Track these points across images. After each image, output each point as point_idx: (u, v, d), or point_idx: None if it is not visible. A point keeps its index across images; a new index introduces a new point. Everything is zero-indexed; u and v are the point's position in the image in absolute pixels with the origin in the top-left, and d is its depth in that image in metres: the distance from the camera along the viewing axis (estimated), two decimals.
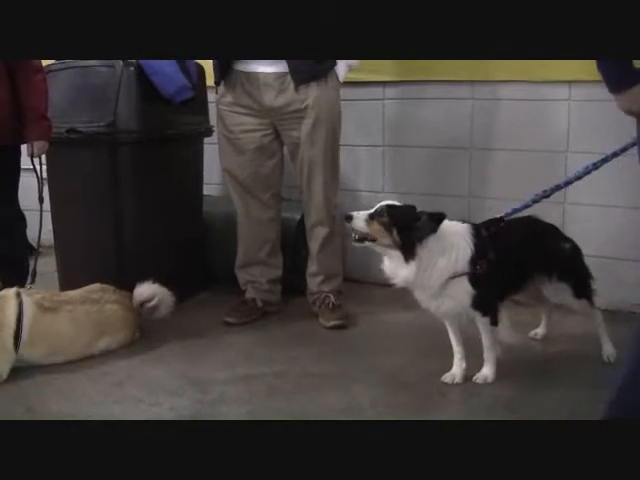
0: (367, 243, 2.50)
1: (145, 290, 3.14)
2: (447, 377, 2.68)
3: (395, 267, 2.49)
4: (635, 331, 1.86)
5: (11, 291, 2.81)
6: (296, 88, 3.09)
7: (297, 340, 3.14)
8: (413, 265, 2.44)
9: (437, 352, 2.77)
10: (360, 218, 2.47)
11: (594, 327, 2.84)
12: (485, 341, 2.62)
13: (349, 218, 2.48)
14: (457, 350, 2.68)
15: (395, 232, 2.44)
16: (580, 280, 2.77)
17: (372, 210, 2.49)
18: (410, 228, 2.44)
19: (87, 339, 2.92)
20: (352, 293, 3.53)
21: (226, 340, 3.14)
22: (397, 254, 2.46)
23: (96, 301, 2.99)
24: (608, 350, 2.82)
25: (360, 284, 3.65)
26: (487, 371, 2.64)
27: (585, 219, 3.39)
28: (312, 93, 3.11)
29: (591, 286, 2.79)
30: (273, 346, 3.08)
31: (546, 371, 2.77)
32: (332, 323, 3.26)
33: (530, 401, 2.51)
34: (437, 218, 2.44)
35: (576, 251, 2.78)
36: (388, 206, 2.49)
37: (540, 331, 3.07)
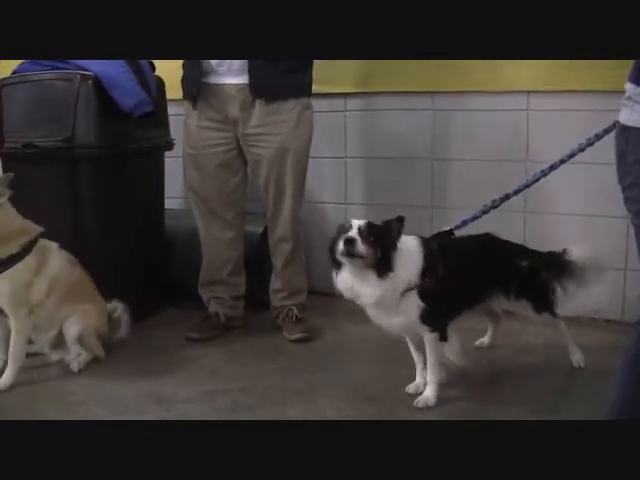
0: (355, 259, 2.41)
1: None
2: (411, 388, 2.68)
3: (364, 286, 2.44)
4: (626, 350, 1.88)
5: (53, 244, 2.93)
6: (267, 103, 3.08)
7: (262, 355, 3.12)
8: (390, 279, 2.41)
9: (402, 363, 2.76)
10: (358, 241, 2.38)
11: (559, 337, 2.86)
12: (430, 360, 2.56)
13: (351, 242, 2.37)
14: (418, 360, 2.68)
15: (378, 250, 2.40)
16: (540, 295, 2.75)
17: (354, 230, 2.39)
18: (385, 240, 2.40)
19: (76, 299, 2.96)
20: (317, 305, 3.52)
21: (190, 356, 3.11)
22: (369, 272, 2.41)
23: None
24: (577, 357, 2.84)
25: (325, 296, 3.61)
26: (429, 393, 2.58)
27: (545, 227, 3.43)
28: (283, 111, 3.11)
29: (552, 299, 2.77)
30: (238, 361, 3.06)
31: (511, 382, 2.79)
32: (296, 336, 3.24)
33: (496, 411, 2.52)
34: (401, 221, 2.42)
35: (534, 268, 2.74)
36: (368, 225, 2.42)
37: (486, 340, 3.08)
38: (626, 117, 1.81)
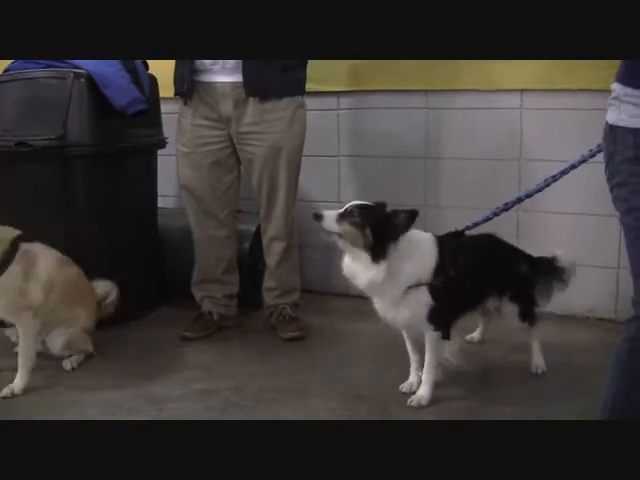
0: (336, 237, 2.43)
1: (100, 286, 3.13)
2: (404, 386, 2.67)
3: (359, 268, 2.43)
4: (618, 349, 1.89)
5: (39, 246, 2.84)
6: (261, 101, 3.07)
7: (254, 354, 3.12)
8: (383, 266, 2.38)
9: (395, 362, 2.76)
10: (331, 217, 2.40)
11: (529, 339, 2.85)
12: (428, 359, 2.55)
13: (319, 217, 2.41)
14: (413, 359, 2.67)
15: (368, 232, 2.38)
16: (528, 305, 2.77)
17: (342, 210, 2.43)
18: (385, 227, 2.39)
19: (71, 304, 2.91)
20: (310, 304, 3.51)
21: (183, 356, 3.11)
22: (364, 255, 2.40)
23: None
24: (539, 363, 2.83)
25: (318, 295, 3.64)
26: (423, 392, 2.56)
27: (538, 226, 3.44)
28: (276, 109, 3.10)
29: (536, 312, 2.79)
30: (231, 361, 3.05)
31: (505, 380, 2.78)
32: (289, 335, 3.23)
33: (492, 411, 2.51)
34: (414, 214, 2.41)
35: (531, 274, 2.76)
36: (358, 206, 2.43)
37: (476, 336, 3.08)
38: (614, 117, 1.82)
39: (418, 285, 2.46)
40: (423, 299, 2.47)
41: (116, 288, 3.14)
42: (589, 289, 3.37)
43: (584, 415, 2.14)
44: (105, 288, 3.14)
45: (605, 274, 3.34)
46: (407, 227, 2.41)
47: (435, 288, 2.46)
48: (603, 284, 3.35)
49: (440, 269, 2.46)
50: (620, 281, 3.30)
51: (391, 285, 2.44)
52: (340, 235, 2.43)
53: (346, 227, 2.41)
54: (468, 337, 3.07)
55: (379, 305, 2.54)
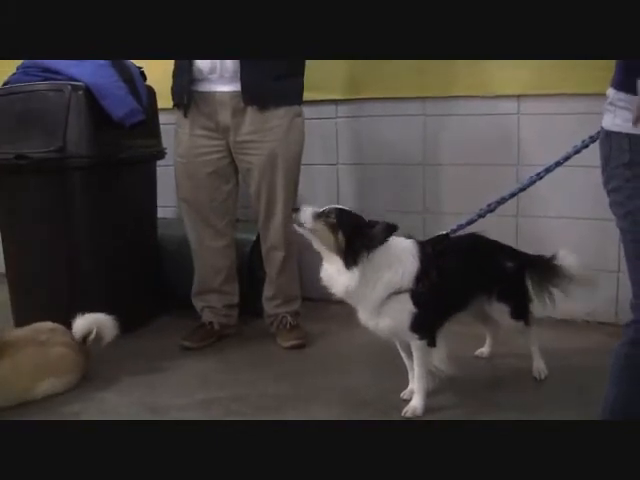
0: (307, 231, 2.44)
1: (80, 324, 2.95)
2: (406, 393, 2.66)
3: (334, 274, 2.42)
4: (617, 353, 1.89)
5: None
6: (259, 110, 3.08)
7: (255, 362, 3.11)
8: (355, 273, 2.37)
9: (395, 369, 2.74)
10: (307, 212, 2.42)
11: (528, 344, 2.83)
12: (417, 368, 2.53)
13: (296, 210, 2.45)
14: (410, 367, 2.64)
15: (340, 235, 2.38)
16: (519, 302, 2.73)
17: (321, 209, 2.44)
18: (360, 234, 2.38)
19: (26, 384, 2.73)
20: (309, 312, 3.51)
21: (183, 365, 3.10)
22: (337, 259, 2.40)
23: (43, 343, 2.82)
24: (540, 367, 2.81)
25: (317, 302, 3.62)
26: (416, 402, 2.53)
27: (538, 231, 3.43)
28: (274, 118, 3.11)
29: (529, 308, 2.76)
30: (231, 369, 3.05)
31: (508, 387, 2.76)
32: (290, 343, 3.24)
33: (494, 417, 2.48)
34: (391, 228, 2.39)
35: (519, 271, 2.73)
36: (337, 208, 2.44)
37: (485, 350, 3.02)
38: (609, 122, 1.83)
39: (399, 292, 2.43)
40: (405, 306, 2.44)
41: (99, 319, 2.95)
42: (589, 293, 3.36)
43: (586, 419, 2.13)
44: (83, 325, 2.94)
45: (605, 278, 3.32)
46: (382, 240, 2.39)
47: (417, 294, 2.44)
48: (603, 288, 3.32)
49: (422, 275, 2.44)
50: (620, 285, 3.29)
51: (370, 293, 2.42)
52: (312, 232, 2.43)
53: (320, 226, 2.41)
54: (477, 352, 3.03)
55: (361, 313, 2.52)
